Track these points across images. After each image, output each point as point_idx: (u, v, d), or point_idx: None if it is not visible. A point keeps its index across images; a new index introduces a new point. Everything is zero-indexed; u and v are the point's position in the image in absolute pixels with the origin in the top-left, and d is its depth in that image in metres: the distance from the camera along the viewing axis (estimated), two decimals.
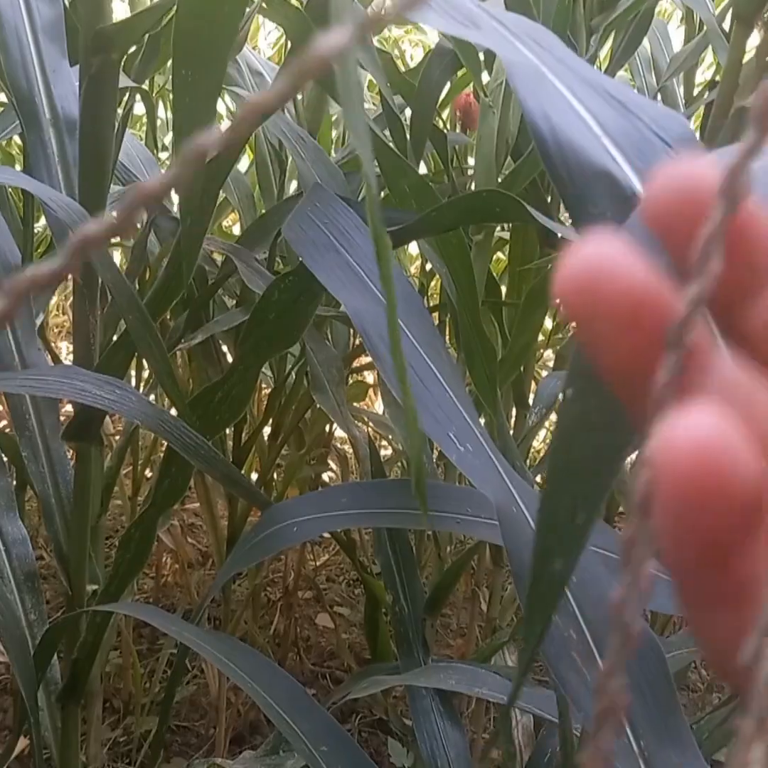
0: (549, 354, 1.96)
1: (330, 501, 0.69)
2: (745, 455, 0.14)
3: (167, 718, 1.05)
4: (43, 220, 1.59)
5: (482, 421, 0.72)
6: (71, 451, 0.89)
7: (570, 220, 0.48)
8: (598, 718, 0.15)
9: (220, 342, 1.35)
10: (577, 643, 0.46)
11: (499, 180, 1.01)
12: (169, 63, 1.35)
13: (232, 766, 0.74)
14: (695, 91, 1.35)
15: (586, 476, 0.37)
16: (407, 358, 0.60)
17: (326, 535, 2.05)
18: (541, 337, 1.73)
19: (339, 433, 2.11)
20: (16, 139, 1.88)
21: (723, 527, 0.15)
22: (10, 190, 1.29)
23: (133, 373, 1.59)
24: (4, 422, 1.87)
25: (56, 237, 0.81)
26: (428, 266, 1.69)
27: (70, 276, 0.77)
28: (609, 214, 0.42)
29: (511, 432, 1.26)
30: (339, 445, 1.99)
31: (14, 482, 0.98)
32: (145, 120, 1.91)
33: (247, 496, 0.83)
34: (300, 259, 0.72)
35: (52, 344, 1.91)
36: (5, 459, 0.98)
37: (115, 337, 0.93)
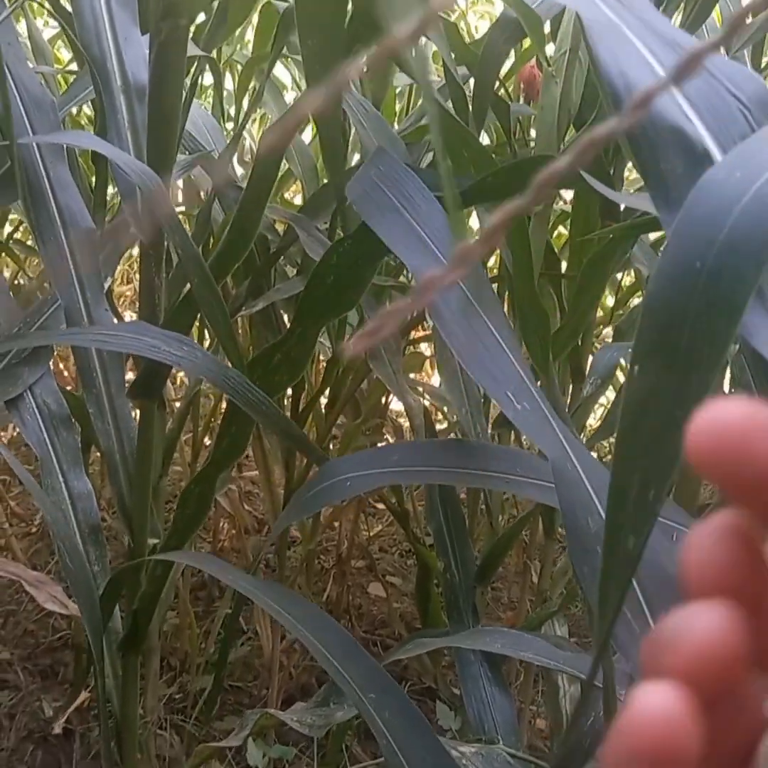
0: (609, 331, 1.94)
1: (381, 458, 0.71)
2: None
3: (223, 670, 1.08)
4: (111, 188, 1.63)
5: None
6: (135, 410, 0.91)
7: (641, 178, 0.48)
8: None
9: (281, 311, 1.37)
10: (628, 597, 0.47)
11: (561, 149, 1.01)
12: (238, 32, 1.37)
13: (285, 716, 0.76)
14: (764, 62, 1.33)
15: (655, 452, 0.36)
16: (466, 318, 0.61)
17: (380, 506, 2.08)
18: (600, 313, 1.72)
19: (394, 405, 2.13)
20: (85, 109, 1.92)
21: None
22: (80, 159, 1.32)
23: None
24: (69, 387, 1.92)
25: (124, 199, 0.84)
26: None
27: (137, 240, 0.79)
28: (679, 170, 0.42)
29: (567, 406, 1.26)
30: (394, 418, 2.00)
31: (79, 441, 1.01)
32: (211, 91, 1.93)
33: (306, 451, 0.86)
34: (359, 224, 0.74)
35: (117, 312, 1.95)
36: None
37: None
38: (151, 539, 0.88)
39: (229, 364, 0.77)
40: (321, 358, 1.89)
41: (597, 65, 0.44)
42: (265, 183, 0.78)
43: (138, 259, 2.60)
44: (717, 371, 0.36)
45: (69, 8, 0.99)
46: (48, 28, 2.10)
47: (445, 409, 1.82)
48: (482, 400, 1.16)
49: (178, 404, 1.74)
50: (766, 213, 0.38)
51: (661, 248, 1.22)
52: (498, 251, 1.49)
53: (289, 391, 1.39)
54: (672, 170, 0.42)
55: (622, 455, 0.38)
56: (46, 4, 1.39)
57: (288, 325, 1.37)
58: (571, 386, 1.32)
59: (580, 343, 1.23)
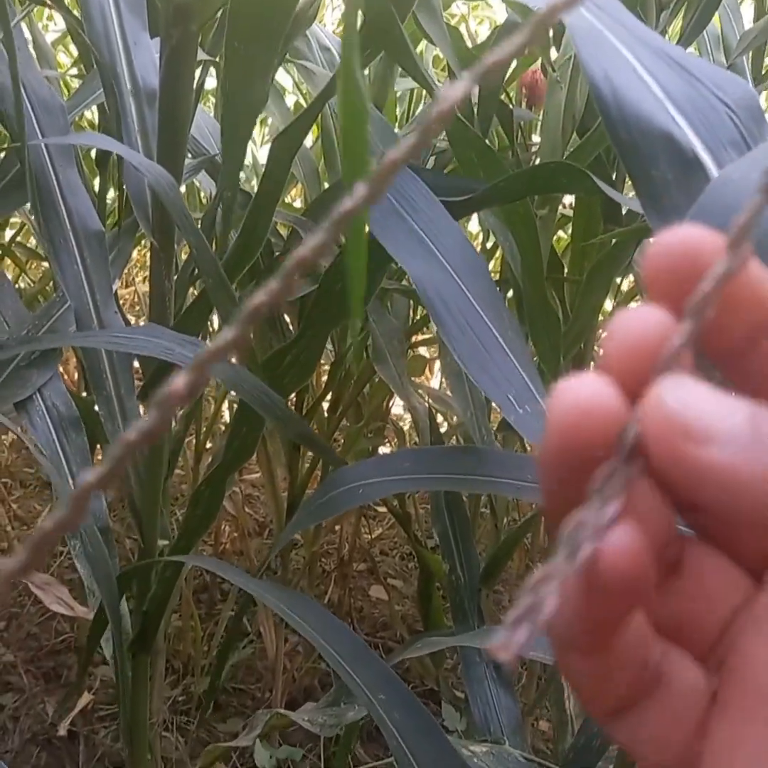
0: None
1: (394, 465, 0.71)
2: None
3: (223, 671, 1.08)
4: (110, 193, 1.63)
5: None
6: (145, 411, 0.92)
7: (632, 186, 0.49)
8: (523, 612, 0.17)
9: (285, 314, 1.38)
10: None
11: (565, 155, 1.02)
12: None
13: (295, 715, 0.77)
14: (764, 70, 1.34)
15: None
16: (467, 322, 0.62)
17: (381, 509, 2.08)
18: (602, 318, 1.73)
19: (396, 409, 2.14)
20: (87, 113, 1.92)
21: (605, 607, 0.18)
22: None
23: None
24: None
25: (134, 202, 0.84)
26: (489, 244, 1.70)
27: (148, 243, 0.80)
28: (669, 176, 0.43)
29: None
30: (396, 421, 2.01)
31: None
32: (211, 96, 1.94)
33: (322, 453, 0.86)
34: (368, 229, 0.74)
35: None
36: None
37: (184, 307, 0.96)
38: (161, 541, 0.88)
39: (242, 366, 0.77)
40: (322, 362, 1.90)
41: (585, 70, 0.45)
42: (276, 185, 0.79)
43: (137, 263, 2.59)
44: None
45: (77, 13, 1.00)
46: (48, 33, 2.11)
47: (446, 412, 1.82)
48: (486, 404, 1.16)
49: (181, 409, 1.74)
50: None
51: None
52: (500, 254, 1.50)
53: (293, 395, 1.40)
54: (663, 177, 0.43)
55: None
56: (47, 10, 1.40)
57: (291, 328, 1.38)
58: None
59: (582, 347, 1.23)
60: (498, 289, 1.53)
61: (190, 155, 1.30)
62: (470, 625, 1.12)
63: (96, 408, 1.08)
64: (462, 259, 0.66)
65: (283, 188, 0.86)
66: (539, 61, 1.26)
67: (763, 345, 0.20)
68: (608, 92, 0.42)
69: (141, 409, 0.88)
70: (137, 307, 2.49)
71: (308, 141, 1.66)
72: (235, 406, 1.81)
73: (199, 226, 1.30)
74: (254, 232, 0.81)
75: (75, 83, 2.02)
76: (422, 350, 2.02)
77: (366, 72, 1.30)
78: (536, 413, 0.59)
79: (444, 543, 1.16)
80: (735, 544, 0.21)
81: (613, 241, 1.03)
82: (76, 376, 2.19)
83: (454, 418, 1.80)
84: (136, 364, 0.99)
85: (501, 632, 0.17)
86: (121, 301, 2.91)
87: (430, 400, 1.69)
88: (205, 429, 1.69)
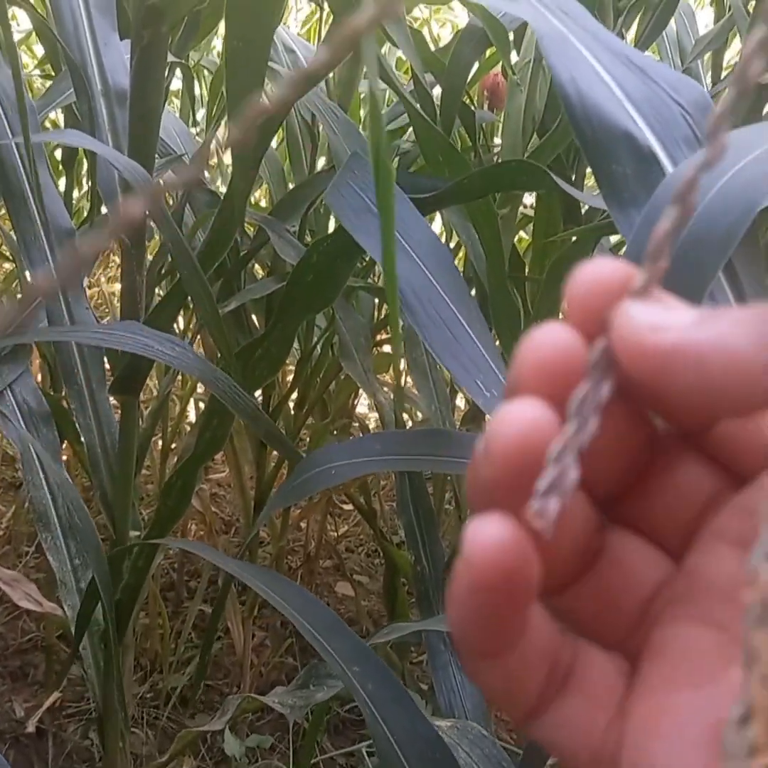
0: None
1: (364, 447, 0.74)
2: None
3: (208, 654, 1.10)
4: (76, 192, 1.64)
5: None
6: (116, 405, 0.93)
7: (595, 180, 0.52)
8: (550, 482, 0.19)
9: (251, 312, 1.40)
10: None
11: (525, 155, 1.05)
12: (205, 40, 1.39)
13: (266, 699, 0.79)
14: (723, 74, 1.38)
15: None
16: (437, 312, 0.65)
17: (347, 506, 2.10)
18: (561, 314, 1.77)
19: (361, 408, 2.16)
20: (51, 115, 1.92)
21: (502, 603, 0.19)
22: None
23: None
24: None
25: (105, 198, 0.86)
26: (452, 244, 1.73)
27: (117, 240, 0.81)
28: (629, 171, 0.46)
29: None
30: (362, 419, 2.03)
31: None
32: (175, 98, 1.95)
33: (284, 451, 0.88)
34: (337, 224, 0.77)
35: None
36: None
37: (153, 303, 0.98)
38: (132, 532, 0.90)
39: (219, 355, 0.79)
40: (287, 362, 1.92)
41: (552, 73, 0.48)
42: (245, 182, 0.81)
43: (102, 265, 2.58)
44: None
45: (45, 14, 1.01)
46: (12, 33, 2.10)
47: (411, 408, 1.85)
48: (450, 399, 1.19)
49: (147, 407, 1.75)
50: (728, 209, 0.42)
51: (621, 252, 1.27)
52: (464, 253, 1.53)
53: (260, 393, 1.42)
54: (623, 171, 0.46)
55: None
56: (10, 11, 1.40)
57: (258, 326, 1.40)
58: None
59: None
60: None
61: (157, 155, 1.31)
62: (435, 614, 1.15)
63: (64, 404, 1.09)
64: (431, 252, 0.69)
65: (251, 185, 0.88)
66: (500, 65, 1.29)
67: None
68: (574, 93, 0.45)
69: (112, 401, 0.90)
70: (103, 307, 2.49)
71: (274, 143, 1.68)
72: (201, 404, 1.82)
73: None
74: (224, 229, 0.83)
75: (38, 83, 2.02)
76: (387, 348, 2.05)
77: (330, 75, 1.32)
78: (502, 397, 0.62)
79: (409, 535, 1.18)
80: (708, 447, 0.22)
81: (573, 239, 1.06)
82: (40, 377, 2.19)
83: (419, 415, 1.83)
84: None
85: (533, 503, 0.18)
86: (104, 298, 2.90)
87: (396, 397, 1.72)
88: (171, 428, 1.70)
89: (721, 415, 0.21)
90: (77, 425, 0.88)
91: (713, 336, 0.18)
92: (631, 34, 1.26)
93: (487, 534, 0.18)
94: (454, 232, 1.36)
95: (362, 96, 1.65)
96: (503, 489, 0.19)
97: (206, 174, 1.80)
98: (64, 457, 1.53)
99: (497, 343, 0.86)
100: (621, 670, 0.21)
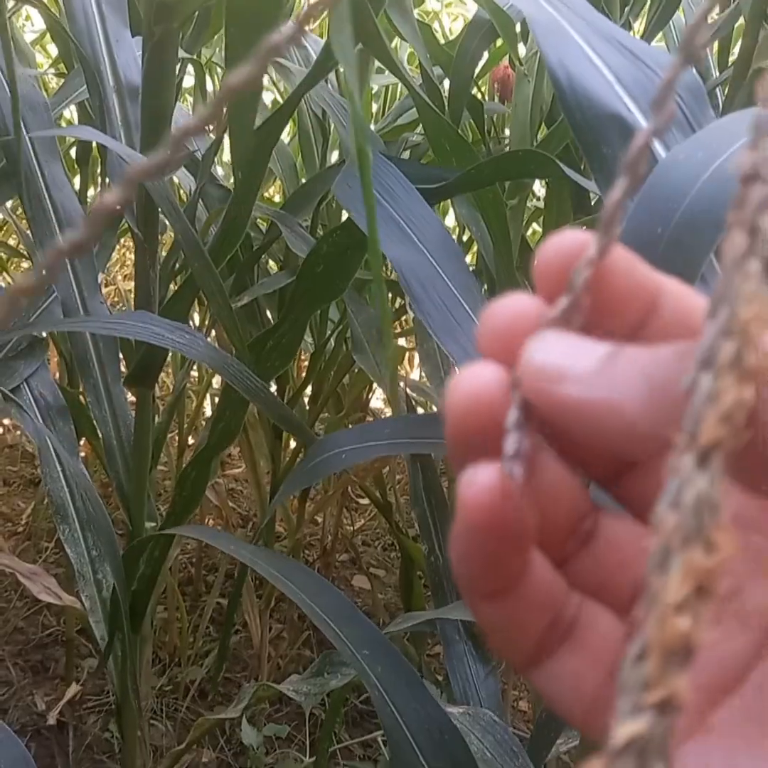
0: None
1: (374, 432, 0.74)
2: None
3: (227, 645, 1.11)
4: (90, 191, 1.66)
5: None
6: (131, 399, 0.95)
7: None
8: (513, 450, 0.20)
9: (264, 306, 1.41)
10: None
11: (534, 146, 1.05)
12: (217, 36, 1.41)
13: (281, 687, 0.79)
14: (731, 60, 1.38)
15: None
16: (441, 298, 0.65)
17: (363, 500, 2.11)
18: None
19: (375, 404, 2.17)
20: (66, 113, 1.94)
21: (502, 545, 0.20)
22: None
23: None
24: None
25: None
26: (465, 237, 1.74)
27: (132, 234, 0.82)
28: (619, 154, 0.46)
29: None
30: (376, 414, 2.04)
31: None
32: (187, 95, 1.96)
33: (299, 434, 0.89)
34: (347, 216, 0.77)
35: None
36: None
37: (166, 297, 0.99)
38: (149, 523, 0.91)
39: (233, 350, 0.80)
40: (301, 357, 1.93)
41: (543, 58, 0.49)
42: (255, 175, 0.82)
43: (117, 263, 2.60)
44: None
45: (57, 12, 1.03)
46: (26, 33, 2.12)
47: (424, 401, 1.86)
48: None
49: (164, 402, 1.77)
50: (722, 191, 0.42)
51: None
52: (477, 248, 1.53)
53: (274, 387, 1.43)
54: (613, 154, 0.47)
55: None
56: (25, 11, 1.42)
57: (271, 320, 1.41)
58: None
59: None
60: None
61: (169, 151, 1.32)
62: (449, 603, 1.16)
63: (80, 398, 1.10)
64: (437, 242, 0.70)
65: (262, 178, 0.89)
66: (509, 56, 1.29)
67: (650, 327, 0.21)
68: (564, 78, 0.45)
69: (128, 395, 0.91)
70: (120, 304, 2.52)
71: (286, 138, 1.69)
72: (217, 400, 1.83)
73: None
74: (236, 221, 0.84)
75: (52, 82, 2.03)
76: (401, 341, 2.06)
77: (341, 70, 1.33)
78: None
79: (422, 526, 1.19)
80: (638, 485, 0.22)
81: (583, 228, 1.06)
82: (57, 374, 2.21)
83: (433, 408, 1.83)
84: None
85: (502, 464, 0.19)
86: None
87: (409, 390, 1.73)
88: (187, 424, 1.72)
89: (628, 464, 0.22)
90: (93, 418, 0.89)
91: (606, 395, 0.19)
92: (638, 24, 1.26)
93: (479, 478, 0.19)
94: (466, 228, 1.36)
95: (374, 91, 1.65)
96: (460, 445, 0.20)
97: (219, 171, 1.82)
98: (82, 454, 1.55)
99: None
100: (620, 634, 0.22)
